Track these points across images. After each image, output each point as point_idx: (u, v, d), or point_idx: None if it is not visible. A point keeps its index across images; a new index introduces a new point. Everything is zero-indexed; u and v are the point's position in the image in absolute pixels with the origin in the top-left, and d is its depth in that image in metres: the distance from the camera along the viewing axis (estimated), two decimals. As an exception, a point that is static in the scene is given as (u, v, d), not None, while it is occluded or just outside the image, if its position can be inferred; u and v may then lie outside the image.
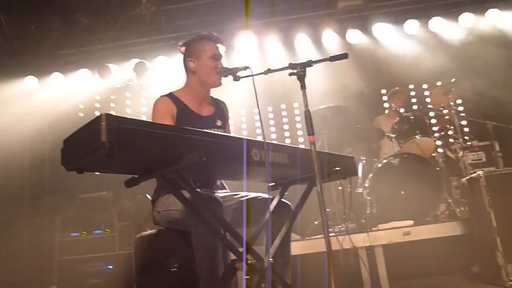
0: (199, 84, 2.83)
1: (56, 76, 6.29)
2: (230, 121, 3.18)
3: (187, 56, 2.86)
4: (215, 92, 2.96)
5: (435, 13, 6.07)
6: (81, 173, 1.71)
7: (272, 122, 6.87)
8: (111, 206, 5.06)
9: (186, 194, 2.05)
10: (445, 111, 5.34)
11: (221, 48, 2.87)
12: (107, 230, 4.85)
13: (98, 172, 1.84)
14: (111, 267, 4.72)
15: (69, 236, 4.89)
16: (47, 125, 5.84)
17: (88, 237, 4.86)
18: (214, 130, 2.77)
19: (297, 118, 6.85)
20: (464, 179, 4.00)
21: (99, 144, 1.52)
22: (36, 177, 6.27)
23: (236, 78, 2.57)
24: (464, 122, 5.99)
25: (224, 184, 2.90)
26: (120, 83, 6.47)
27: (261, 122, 2.21)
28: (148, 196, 2.86)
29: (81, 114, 6.49)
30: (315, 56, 6.09)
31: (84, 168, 1.70)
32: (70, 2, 5.91)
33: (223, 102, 3.04)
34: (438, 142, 5.36)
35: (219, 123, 2.86)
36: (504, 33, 6.05)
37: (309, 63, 2.22)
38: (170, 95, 2.80)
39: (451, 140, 5.37)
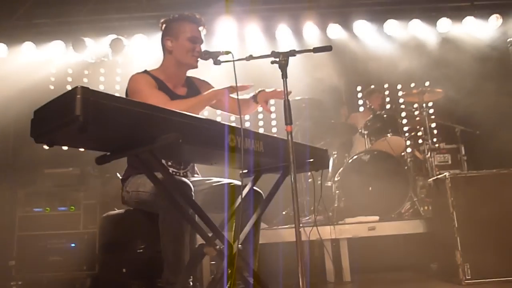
0: (175, 64, 2.79)
1: (27, 45, 6.05)
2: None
3: (165, 35, 2.81)
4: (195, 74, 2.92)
5: (414, 15, 6.15)
6: (51, 146, 1.65)
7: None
8: (77, 183, 4.94)
9: (158, 175, 2.02)
10: (417, 113, 5.47)
11: (202, 32, 2.83)
12: (72, 207, 4.74)
13: (69, 146, 1.78)
14: (73, 245, 4.63)
15: (31, 211, 4.75)
16: (15, 95, 5.61)
17: (51, 213, 4.73)
18: None
19: (272, 108, 6.84)
20: (430, 179, 4.11)
21: (73, 118, 1.46)
22: (-1, 148, 6.06)
23: (217, 62, 2.54)
24: (434, 125, 6.15)
25: (196, 169, 2.88)
26: (94, 59, 6.29)
27: (239, 108, 2.20)
28: (119, 175, 2.81)
29: (52, 87, 6.28)
30: (294, 48, 6.09)
31: (54, 141, 1.64)
32: (48, -30, 5.70)
33: (200, 80, 2.99)
34: (408, 142, 5.49)
35: None
36: (478, 41, 6.20)
37: (292, 53, 2.22)
38: (146, 72, 2.75)
39: (420, 141, 5.50)
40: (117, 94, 6.29)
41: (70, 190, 4.85)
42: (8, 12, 6.06)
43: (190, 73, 2.91)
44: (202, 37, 2.82)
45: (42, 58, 6.13)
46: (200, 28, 2.82)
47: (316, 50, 2.23)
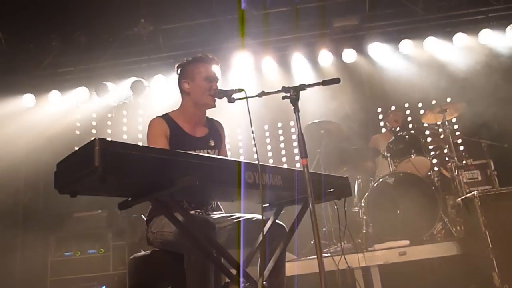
0: (193, 105, 2.85)
1: (54, 94, 6.30)
2: (228, 140, 3.18)
3: (181, 78, 2.88)
4: (213, 112, 2.97)
5: (429, 33, 6.13)
6: (74, 197, 1.72)
7: (268, 141, 6.88)
8: (105, 226, 5.02)
9: (180, 216, 2.05)
10: (440, 130, 5.38)
11: (217, 70, 2.89)
12: (101, 249, 4.81)
13: (92, 195, 1.83)
14: (104, 287, 4.67)
15: (62, 256, 4.84)
16: (44, 143, 5.84)
17: (81, 257, 4.82)
18: (207, 151, 2.79)
19: (294, 137, 6.86)
20: (459, 199, 4.01)
21: (92, 169, 1.52)
22: (30, 196, 6.24)
23: (231, 100, 2.59)
24: (459, 141, 6.02)
25: (220, 205, 2.90)
26: (117, 102, 6.49)
27: (255, 144, 2.22)
28: (143, 217, 2.85)
29: (78, 132, 6.50)
30: (310, 76, 6.15)
31: (77, 191, 1.70)
32: (69, 21, 5.97)
33: (219, 123, 3.06)
34: (434, 161, 5.38)
35: (212, 143, 2.87)
36: (496, 53, 6.12)
37: (302, 87, 2.25)
38: (165, 116, 2.82)
39: (446, 158, 5.39)
40: (139, 135, 6.45)
41: (99, 232, 4.93)
42: (34, 63, 6.39)
43: (212, 112, 2.97)
44: (217, 75, 2.88)
45: (67, 105, 6.37)
46: (214, 67, 2.88)
47: (325, 83, 2.25)
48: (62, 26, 6.10)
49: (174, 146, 2.67)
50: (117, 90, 6.36)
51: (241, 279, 2.09)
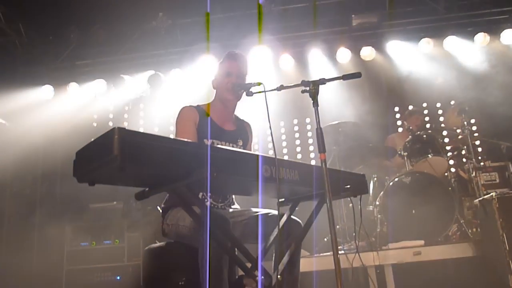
0: (219, 100, 2.89)
1: (72, 86, 6.37)
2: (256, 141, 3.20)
3: (213, 77, 2.95)
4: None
5: (450, 32, 6.04)
6: (92, 185, 1.73)
7: (284, 137, 6.87)
8: (121, 217, 5.07)
9: (196, 208, 2.05)
10: (459, 131, 5.31)
11: (239, 65, 2.88)
12: (117, 240, 4.86)
13: (110, 184, 1.85)
14: (118, 278, 4.72)
15: (78, 246, 4.91)
16: (61, 134, 5.91)
17: (97, 247, 4.88)
18: (233, 146, 2.80)
19: (309, 134, 6.84)
20: (476, 200, 3.95)
21: (111, 158, 1.53)
22: (48, 186, 6.33)
23: (249, 94, 2.59)
24: (477, 142, 5.93)
25: (234, 199, 2.90)
26: (134, 95, 6.54)
27: (272, 138, 2.22)
28: (159, 208, 2.87)
29: (95, 124, 6.56)
30: (328, 73, 6.11)
31: (95, 180, 1.72)
32: (88, 14, 6.03)
33: (248, 124, 3.08)
34: (451, 162, 5.31)
35: (240, 142, 2.87)
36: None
37: (322, 81, 2.23)
38: (196, 106, 2.84)
39: (464, 160, 5.32)
40: (156, 128, 6.49)
41: (114, 223, 4.98)
42: (53, 56, 6.47)
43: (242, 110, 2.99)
44: (239, 70, 2.86)
45: (85, 97, 6.44)
46: (236, 63, 2.88)
47: (345, 77, 2.23)
48: (81, 19, 6.17)
49: (203, 134, 2.69)
50: (134, 83, 6.40)
51: (259, 272, 2.09)
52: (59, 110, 6.28)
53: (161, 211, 2.77)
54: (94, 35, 6.30)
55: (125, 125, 6.70)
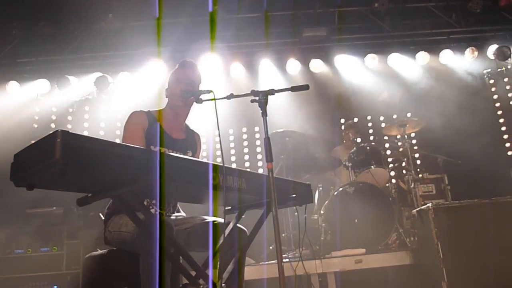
0: (170, 108, 2.86)
1: (12, 84, 6.05)
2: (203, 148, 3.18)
3: (166, 85, 2.91)
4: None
5: (394, 49, 6.34)
6: (31, 190, 1.65)
7: (232, 145, 6.88)
8: (60, 223, 4.85)
9: (140, 215, 2.01)
10: (400, 143, 5.56)
11: (191, 73, 2.87)
12: (55, 247, 4.65)
13: (50, 189, 1.77)
14: (55, 287, 4.51)
15: (12, 253, 4.64)
16: (-1, 135, 5.59)
17: (33, 255, 4.63)
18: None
19: (258, 142, 6.90)
20: (414, 210, 4.14)
21: (53, 162, 1.47)
22: (-19, 189, 5.95)
23: (199, 101, 2.59)
24: (416, 155, 6.23)
25: (179, 207, 2.87)
26: (79, 97, 6.32)
27: (221, 146, 2.22)
28: (101, 215, 2.78)
29: (36, 126, 6.26)
30: (278, 83, 6.21)
31: (34, 184, 1.64)
32: (33, 10, 5.78)
33: (198, 134, 3.06)
34: (392, 173, 5.54)
35: (189, 153, 2.84)
36: (455, 73, 6.41)
37: (271, 92, 2.27)
38: (147, 111, 2.79)
39: (404, 171, 5.57)
40: (101, 132, 6.30)
41: (52, 230, 4.76)
42: (-8, 51, 6.11)
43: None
44: (190, 78, 2.84)
45: (26, 97, 6.14)
46: (188, 71, 2.86)
47: (294, 89, 2.28)
48: (25, 14, 5.90)
49: (151, 140, 2.65)
50: (80, 84, 6.19)
51: (205, 280, 2.07)
52: (-3, 109, 5.95)
53: (103, 217, 2.69)
54: (39, 32, 6.02)
55: (69, 127, 6.45)
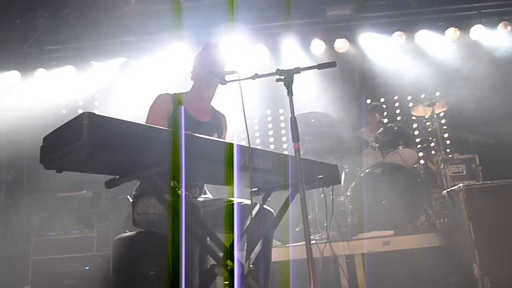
0: (195, 91, 2.86)
1: (40, 71, 6.16)
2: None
3: (191, 68, 2.91)
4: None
5: (421, 26, 6.14)
6: (60, 172, 1.67)
7: (256, 127, 6.87)
8: (90, 206, 4.97)
9: (167, 197, 2.02)
10: (428, 123, 5.42)
11: (216, 54, 2.85)
12: (85, 230, 4.77)
13: (79, 171, 1.79)
14: (87, 268, 4.64)
15: (46, 235, 4.79)
16: (28, 121, 5.71)
17: (65, 237, 4.77)
18: None
19: (282, 124, 6.86)
20: (444, 191, 4.04)
21: (80, 143, 1.48)
22: (14, 174, 6.14)
23: (223, 82, 2.57)
24: (446, 135, 6.07)
25: (206, 189, 2.88)
26: (105, 82, 6.38)
27: (246, 127, 2.20)
28: (129, 198, 2.82)
29: (64, 111, 6.38)
30: (302, 63, 6.11)
31: (63, 167, 1.65)
32: (57, -2, 5.84)
33: (224, 115, 3.05)
34: (420, 154, 5.42)
35: (215, 136, 2.84)
36: (487, 49, 6.17)
37: (297, 70, 2.22)
38: (172, 94, 2.79)
39: (433, 152, 5.44)
40: (127, 116, 6.37)
41: (83, 213, 4.87)
42: (20, 40, 6.23)
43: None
44: (214, 59, 2.82)
45: (54, 83, 6.23)
46: (212, 52, 2.85)
47: (320, 66, 2.23)
48: (50, 3, 5.97)
49: (175, 124, 2.66)
50: (105, 70, 6.24)
51: (232, 261, 2.08)
52: (26, 96, 6.08)
53: (131, 200, 2.72)
54: (64, 20, 6.08)
55: (96, 112, 6.54)
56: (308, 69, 2.25)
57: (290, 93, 2.19)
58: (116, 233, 3.11)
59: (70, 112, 6.28)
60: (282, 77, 2.21)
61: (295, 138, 2.12)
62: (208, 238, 2.17)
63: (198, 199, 2.73)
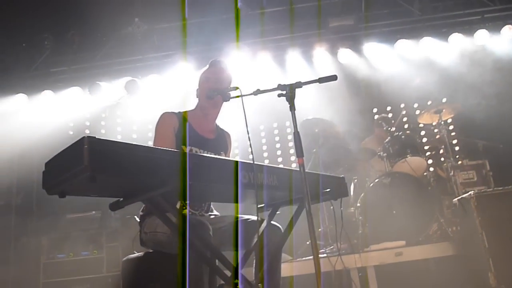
0: (199, 109, 2.87)
1: (46, 93, 6.22)
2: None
3: (197, 85, 2.92)
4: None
5: (425, 33, 6.12)
6: (63, 197, 1.66)
7: (264, 141, 6.85)
8: (99, 227, 4.96)
9: (173, 217, 2.00)
10: (436, 130, 5.36)
11: (220, 71, 2.86)
12: (95, 251, 4.76)
13: (82, 195, 1.78)
14: (98, 290, 4.62)
15: (55, 258, 4.78)
16: (37, 143, 5.76)
17: (74, 259, 4.76)
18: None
19: (289, 137, 6.84)
20: (455, 199, 3.98)
21: (81, 168, 1.47)
22: (23, 197, 6.16)
23: (226, 99, 2.56)
24: (454, 141, 6.01)
25: (212, 206, 2.86)
26: (111, 102, 6.43)
27: (250, 143, 2.18)
28: (136, 218, 2.81)
29: (71, 133, 6.43)
30: (306, 75, 6.12)
31: (66, 191, 1.65)
32: (62, 20, 5.91)
33: (228, 134, 3.05)
34: (429, 161, 5.36)
35: (222, 155, 2.83)
36: (492, 54, 6.12)
37: (298, 84, 2.21)
38: (177, 112, 2.80)
39: (442, 159, 5.37)
40: (134, 135, 6.39)
41: (92, 234, 4.87)
42: (26, 64, 6.30)
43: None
44: (218, 76, 2.83)
45: (60, 105, 6.29)
46: (216, 69, 2.86)
47: (321, 80, 2.21)
48: (55, 25, 6.05)
49: (181, 141, 2.65)
50: (111, 89, 6.29)
51: (240, 281, 2.05)
52: (33, 119, 6.13)
53: (138, 220, 2.70)
54: (69, 41, 6.16)
55: (103, 132, 6.59)
56: (309, 83, 2.24)
57: (292, 108, 2.18)
58: (126, 253, 3.10)
59: (77, 133, 6.33)
60: (284, 92, 2.20)
61: (299, 153, 2.10)
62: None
63: (206, 217, 2.71)
